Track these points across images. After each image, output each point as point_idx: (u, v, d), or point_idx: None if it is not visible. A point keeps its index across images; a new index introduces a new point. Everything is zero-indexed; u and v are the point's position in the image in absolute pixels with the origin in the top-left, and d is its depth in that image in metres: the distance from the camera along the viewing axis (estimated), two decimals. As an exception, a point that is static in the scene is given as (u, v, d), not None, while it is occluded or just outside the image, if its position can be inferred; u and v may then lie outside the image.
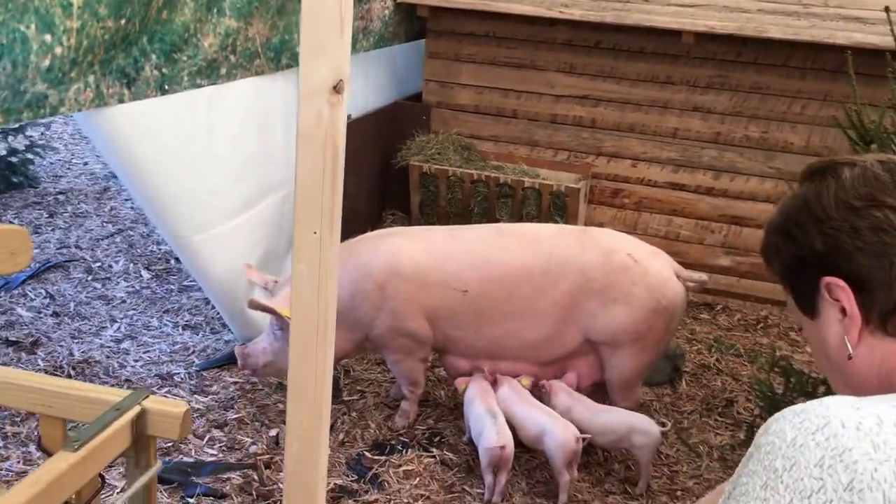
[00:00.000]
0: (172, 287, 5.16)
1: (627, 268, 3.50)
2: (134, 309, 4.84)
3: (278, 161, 4.36)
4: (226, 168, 3.83)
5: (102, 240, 5.79)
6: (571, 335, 3.62)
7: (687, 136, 5.26)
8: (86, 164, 7.64)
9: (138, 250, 5.66)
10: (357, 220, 5.35)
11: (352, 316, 3.63)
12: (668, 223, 5.43)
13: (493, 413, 3.41)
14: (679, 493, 3.51)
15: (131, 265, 5.43)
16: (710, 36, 4.95)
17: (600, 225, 5.45)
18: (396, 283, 3.57)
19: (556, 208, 5.27)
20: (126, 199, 6.64)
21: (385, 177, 5.68)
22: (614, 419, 3.51)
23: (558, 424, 3.33)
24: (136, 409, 1.54)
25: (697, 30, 4.89)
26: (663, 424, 3.56)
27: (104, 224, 6.09)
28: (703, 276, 3.66)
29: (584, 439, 3.30)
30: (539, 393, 3.62)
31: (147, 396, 1.57)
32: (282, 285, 3.73)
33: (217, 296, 4.07)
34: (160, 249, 5.69)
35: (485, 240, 3.65)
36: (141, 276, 5.30)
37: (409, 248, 3.62)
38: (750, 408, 4.20)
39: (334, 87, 0.90)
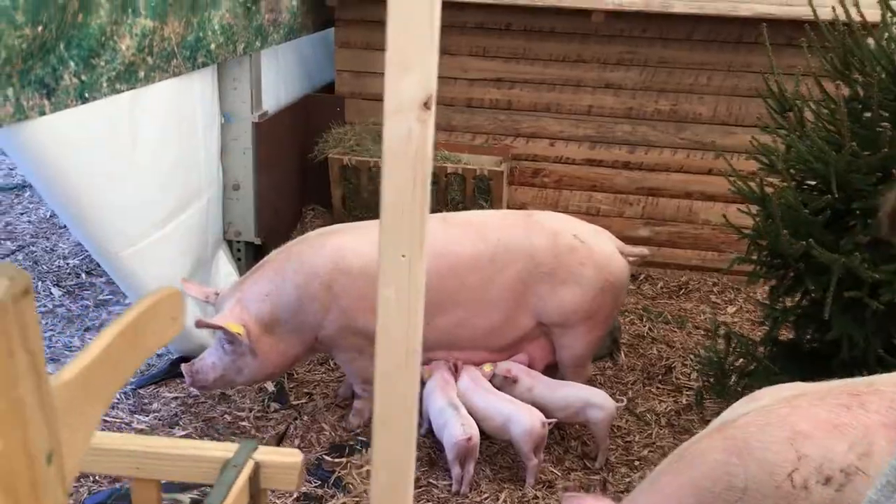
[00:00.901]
0: (87, 303, 4.90)
1: (574, 249, 3.55)
2: (51, 329, 4.57)
3: (201, 165, 4.20)
4: (151, 175, 3.65)
5: (2, 259, 5.43)
6: (523, 320, 3.65)
7: (601, 112, 5.36)
8: (-31, 177, 7.14)
9: (44, 267, 5.34)
10: (277, 219, 5.23)
11: (299, 319, 3.54)
12: (589, 199, 5.54)
13: (454, 405, 3.40)
14: (636, 462, 3.61)
15: (39, 283, 5.11)
16: (618, 14, 5.05)
17: (522, 206, 5.52)
18: (344, 281, 3.49)
19: (481, 192, 5.28)
20: (22, 213, 6.25)
21: (303, 172, 5.55)
22: (571, 394, 3.57)
23: (522, 411, 3.35)
24: (251, 465, 1.44)
25: (607, 8, 4.98)
26: (620, 400, 3.64)
27: (1, 242, 5.71)
28: (643, 250, 3.75)
29: (549, 423, 3.34)
30: (501, 381, 3.63)
31: (256, 448, 1.47)
32: (224, 298, 3.59)
33: (152, 310, 3.88)
34: (67, 264, 5.39)
35: (431, 231, 3.61)
36: (52, 293, 5.00)
37: (353, 244, 3.55)
38: (686, 372, 4.35)
39: (424, 104, 0.86)
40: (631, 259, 3.70)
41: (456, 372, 3.60)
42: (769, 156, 3.33)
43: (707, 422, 3.85)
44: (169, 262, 3.82)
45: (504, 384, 3.67)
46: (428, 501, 3.30)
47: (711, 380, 3.72)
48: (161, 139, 3.70)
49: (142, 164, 3.55)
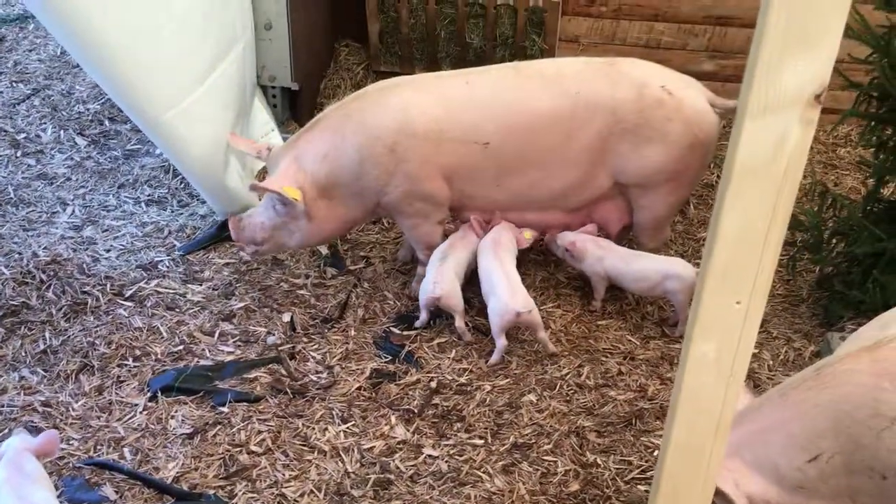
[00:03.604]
0: (116, 154, 4.59)
1: (662, 102, 3.19)
2: (83, 186, 4.30)
3: (234, 8, 3.75)
4: (189, 24, 3.23)
5: (18, 104, 5.06)
6: (600, 180, 3.36)
7: (668, -70, 4.77)
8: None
9: (63, 113, 4.97)
10: (313, 60, 4.80)
11: (361, 184, 3.26)
12: (650, 30, 5.04)
13: (441, 257, 3.32)
14: (718, 329, 3.43)
15: (62, 132, 4.78)
16: None
17: (575, 38, 5.05)
18: (409, 143, 3.17)
19: (533, 26, 4.82)
20: (30, 50, 5.78)
21: (336, 4, 5.04)
22: (648, 266, 3.35)
23: (506, 293, 3.14)
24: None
25: None
26: (698, 265, 3.41)
27: (14, 84, 5.30)
28: (736, 103, 3.37)
29: (526, 312, 3.10)
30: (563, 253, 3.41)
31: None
32: (278, 155, 3.30)
33: (197, 173, 3.59)
34: (88, 110, 5.01)
35: (504, 83, 3.24)
36: (76, 144, 4.68)
37: (418, 101, 3.20)
38: (761, 225, 4.09)
39: (816, 97, 0.55)
40: (720, 112, 3.34)
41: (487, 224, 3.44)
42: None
43: (792, 286, 3.65)
44: (212, 120, 3.50)
45: (566, 257, 3.44)
46: (506, 377, 3.16)
47: (801, 243, 3.47)
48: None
49: (178, 13, 3.12)
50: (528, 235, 3.46)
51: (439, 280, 3.23)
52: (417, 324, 3.34)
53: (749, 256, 0.66)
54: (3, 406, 2.96)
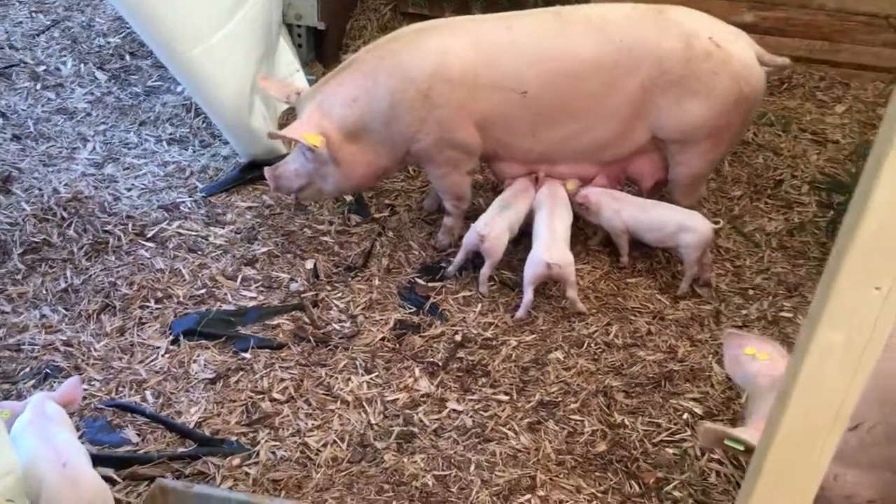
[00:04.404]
0: (137, 90, 4.50)
1: (710, 55, 3.05)
2: (103, 123, 4.22)
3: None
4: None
5: (38, 35, 4.95)
6: (638, 133, 3.24)
7: None
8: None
9: (83, 46, 4.86)
10: (340, -2, 4.66)
11: (392, 130, 3.17)
12: (689, -23, 4.86)
13: (502, 205, 3.26)
14: (751, 291, 3.36)
15: (82, 66, 4.68)
16: None
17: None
18: (444, 89, 3.07)
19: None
20: (49, -20, 5.63)
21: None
22: (665, 215, 3.27)
23: (544, 244, 3.10)
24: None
25: None
26: (716, 222, 3.31)
27: (33, 14, 5.18)
28: (785, 60, 3.24)
29: (557, 266, 3.04)
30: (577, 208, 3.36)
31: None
32: (304, 99, 3.20)
33: (223, 113, 3.50)
34: (108, 43, 4.90)
35: (545, 28, 3.11)
36: (97, 78, 4.58)
37: (455, 45, 3.08)
38: (797, 185, 3.99)
39: None
40: (767, 69, 3.21)
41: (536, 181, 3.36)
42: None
43: (824, 245, 3.57)
44: (239, 59, 3.41)
45: (581, 212, 3.35)
46: (532, 333, 3.10)
47: (839, 205, 3.37)
48: None
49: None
50: (571, 186, 3.37)
51: (491, 224, 3.17)
52: (451, 268, 3.28)
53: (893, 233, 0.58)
54: (24, 344, 2.93)
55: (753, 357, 2.17)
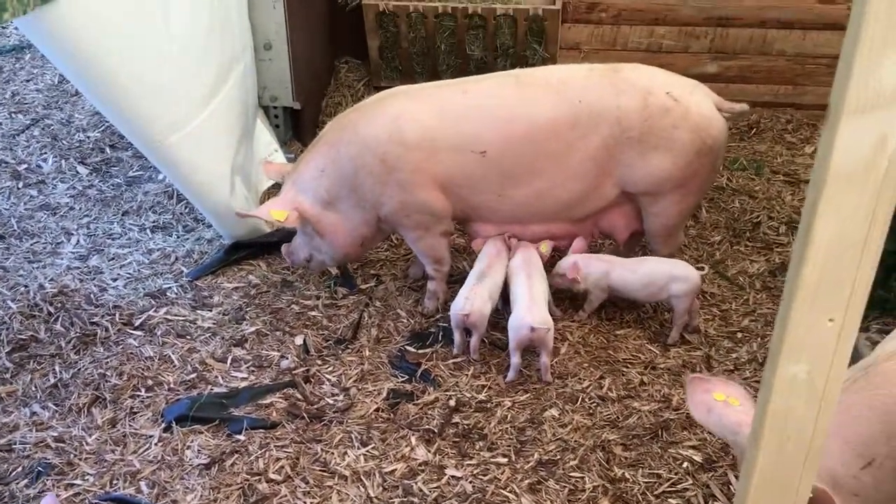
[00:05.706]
0: (119, 181, 4.55)
1: (668, 110, 3.13)
2: (87, 215, 4.25)
3: (235, 26, 3.71)
4: (189, 45, 3.19)
5: (18, 135, 5.02)
6: (607, 189, 3.30)
7: (665, -67, 4.74)
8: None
9: (64, 142, 4.93)
10: (314, 78, 4.76)
11: (359, 195, 3.26)
12: (650, 34, 5.01)
13: (479, 276, 3.25)
14: (739, 335, 3.38)
15: (63, 162, 4.74)
16: None
17: (576, 45, 5.02)
18: (399, 152, 3.15)
19: (533, 34, 4.78)
20: (27, 80, 5.75)
21: (334, 21, 5.01)
22: (655, 269, 3.30)
23: (524, 307, 3.10)
24: None
25: None
26: (701, 268, 3.35)
27: (13, 115, 5.27)
28: (743, 106, 3.32)
29: (542, 329, 3.03)
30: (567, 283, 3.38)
31: None
32: (286, 178, 3.30)
33: (203, 197, 3.55)
34: (88, 138, 4.98)
35: (502, 91, 3.19)
36: (78, 173, 4.64)
37: (411, 109, 3.17)
38: (774, 227, 4.05)
39: None
40: (727, 116, 3.29)
41: (509, 248, 3.38)
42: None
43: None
44: (217, 143, 3.47)
45: (565, 284, 3.37)
46: (526, 392, 3.09)
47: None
48: (193, 3, 3.21)
49: (179, 35, 3.08)
50: (545, 248, 3.41)
51: (471, 297, 3.17)
52: (456, 349, 3.26)
53: (844, 270, 0.60)
54: (15, 443, 2.90)
55: (726, 403, 2.09)
